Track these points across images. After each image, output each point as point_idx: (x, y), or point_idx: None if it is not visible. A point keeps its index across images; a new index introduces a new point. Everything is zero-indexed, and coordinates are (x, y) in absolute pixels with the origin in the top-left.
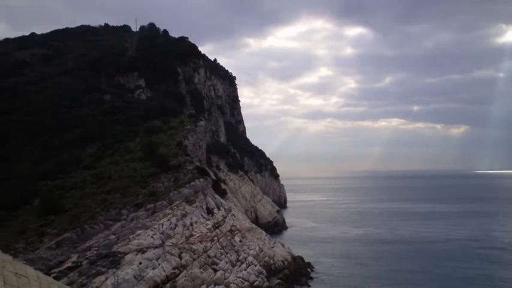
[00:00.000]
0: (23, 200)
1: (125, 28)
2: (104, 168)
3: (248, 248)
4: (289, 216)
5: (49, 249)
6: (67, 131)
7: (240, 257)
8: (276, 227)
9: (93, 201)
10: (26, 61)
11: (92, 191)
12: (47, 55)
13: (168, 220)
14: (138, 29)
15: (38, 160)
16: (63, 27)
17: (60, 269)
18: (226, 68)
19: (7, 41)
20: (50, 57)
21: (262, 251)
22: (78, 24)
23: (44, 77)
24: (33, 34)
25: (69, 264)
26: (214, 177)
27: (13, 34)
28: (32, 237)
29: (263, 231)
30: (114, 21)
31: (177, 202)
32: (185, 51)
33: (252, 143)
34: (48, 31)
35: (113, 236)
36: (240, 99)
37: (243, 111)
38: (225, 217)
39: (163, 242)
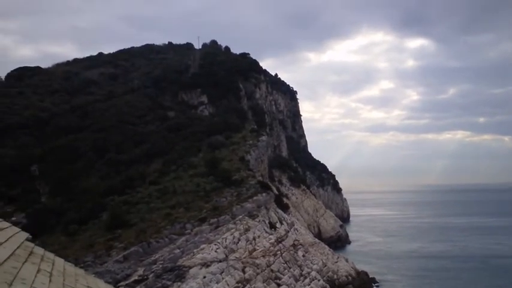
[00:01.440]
0: (91, 214)
1: (188, 46)
2: (168, 183)
3: (311, 262)
4: (352, 231)
5: (116, 262)
6: (133, 148)
7: (303, 272)
8: (339, 242)
9: (158, 216)
10: (94, 80)
11: (157, 205)
12: (114, 74)
13: (232, 234)
14: (200, 47)
15: (106, 176)
16: (129, 46)
17: (127, 282)
18: (287, 83)
19: (76, 61)
20: (117, 76)
21: (325, 265)
22: (143, 43)
23: (111, 95)
24: (100, 54)
25: (136, 278)
26: (276, 192)
27: (81, 54)
28: (100, 250)
29: (326, 246)
30: (178, 40)
31: (240, 217)
32: (246, 67)
33: (314, 157)
34: (114, 50)
35: (178, 250)
36: (301, 113)
37: (304, 126)
38: (288, 231)
39: (226, 256)
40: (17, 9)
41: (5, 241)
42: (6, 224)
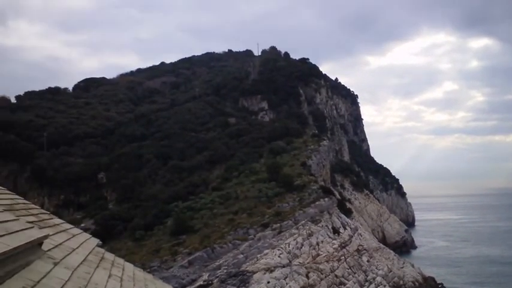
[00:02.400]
0: (156, 220)
1: (248, 53)
2: (230, 189)
3: (376, 268)
4: (418, 236)
5: (182, 267)
6: (196, 154)
7: (368, 277)
8: (404, 247)
9: (222, 221)
10: (156, 89)
11: (220, 211)
12: (176, 82)
13: (295, 240)
14: (260, 53)
15: (170, 182)
16: (190, 55)
17: (192, 287)
18: (348, 87)
19: (139, 71)
20: (179, 85)
21: (391, 271)
22: (204, 52)
23: (174, 104)
24: (162, 63)
25: (201, 283)
26: (339, 197)
27: (144, 64)
28: (165, 256)
29: (391, 251)
30: (237, 47)
31: (303, 222)
32: (306, 72)
33: (377, 161)
34: (176, 60)
35: (241, 255)
36: (362, 117)
37: (366, 129)
38: (352, 236)
39: (290, 262)
40: (83, 24)
41: (78, 247)
42: (77, 230)
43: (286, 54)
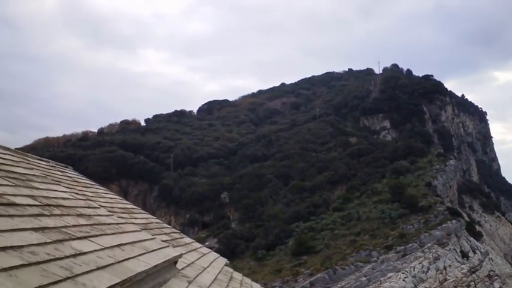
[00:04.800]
0: (278, 240)
1: (368, 71)
2: (352, 209)
3: None
4: None
5: None
6: (316, 174)
7: None
8: None
9: (343, 243)
10: (277, 109)
11: (342, 232)
12: (296, 103)
13: (420, 263)
14: (381, 71)
15: (291, 202)
16: (310, 75)
17: None
18: (475, 104)
19: (260, 92)
20: (299, 105)
21: None
22: (323, 72)
23: (294, 124)
24: (282, 84)
25: None
26: (467, 219)
27: (264, 86)
28: (287, 276)
29: None
30: (357, 66)
31: (429, 245)
32: (430, 89)
33: (509, 181)
34: (296, 80)
35: (364, 278)
36: (491, 135)
37: (495, 148)
38: (482, 261)
39: (415, 286)
40: (204, 49)
41: (208, 266)
42: (206, 249)
43: (409, 71)
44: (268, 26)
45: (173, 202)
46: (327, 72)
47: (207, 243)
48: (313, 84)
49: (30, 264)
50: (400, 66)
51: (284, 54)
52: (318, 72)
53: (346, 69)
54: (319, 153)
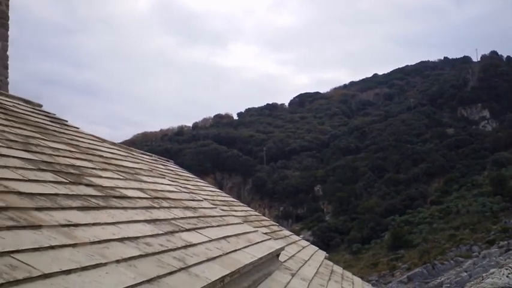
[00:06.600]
0: (373, 233)
1: (465, 59)
2: (451, 203)
3: None
4: None
5: (401, 283)
6: (412, 166)
7: None
8: None
9: (442, 237)
10: (369, 101)
11: (440, 226)
12: (389, 93)
13: None
14: (479, 59)
15: (386, 195)
16: (403, 65)
17: None
18: None
19: (352, 83)
20: (392, 96)
21: None
22: (417, 61)
23: (387, 115)
24: (375, 75)
25: None
26: None
27: (355, 77)
28: (383, 270)
29: None
30: (453, 54)
31: None
32: None
33: None
34: (388, 71)
35: (465, 274)
36: None
37: None
38: None
39: None
40: (292, 42)
41: (309, 259)
42: (305, 242)
43: (509, 58)
44: (356, 16)
45: (267, 195)
46: (421, 62)
47: (301, 236)
48: (407, 74)
49: (146, 255)
50: (499, 53)
51: (374, 44)
52: (411, 61)
53: (442, 58)
54: (415, 145)
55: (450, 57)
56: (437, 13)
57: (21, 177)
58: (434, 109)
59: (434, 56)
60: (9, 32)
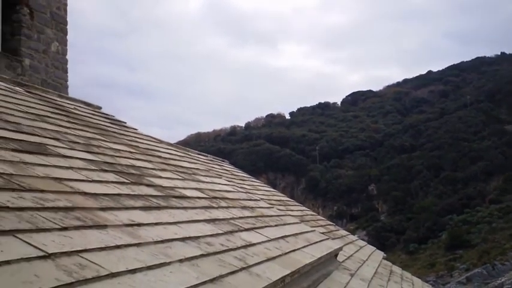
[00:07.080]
0: (430, 233)
1: None
2: (510, 201)
3: None
4: None
5: (459, 283)
6: (469, 165)
7: None
8: None
9: (502, 237)
10: (424, 98)
11: (500, 225)
12: (444, 91)
13: None
14: None
15: (443, 194)
16: (458, 61)
17: None
18: None
19: (405, 81)
20: (447, 93)
21: None
22: (473, 57)
23: (443, 113)
24: (429, 72)
25: None
26: None
27: (409, 75)
28: (441, 270)
29: None
30: (511, 49)
31: None
32: None
33: None
34: (443, 67)
35: None
36: None
37: None
38: None
39: None
40: (343, 40)
41: (367, 259)
42: (362, 242)
43: None
44: (407, 13)
45: (320, 194)
46: (477, 57)
47: (356, 236)
48: (462, 71)
49: (208, 255)
50: None
51: (428, 41)
52: (467, 57)
53: (499, 53)
54: (472, 143)
55: (507, 53)
56: (494, 7)
57: (85, 178)
58: (491, 106)
59: (490, 52)
60: (67, 37)
